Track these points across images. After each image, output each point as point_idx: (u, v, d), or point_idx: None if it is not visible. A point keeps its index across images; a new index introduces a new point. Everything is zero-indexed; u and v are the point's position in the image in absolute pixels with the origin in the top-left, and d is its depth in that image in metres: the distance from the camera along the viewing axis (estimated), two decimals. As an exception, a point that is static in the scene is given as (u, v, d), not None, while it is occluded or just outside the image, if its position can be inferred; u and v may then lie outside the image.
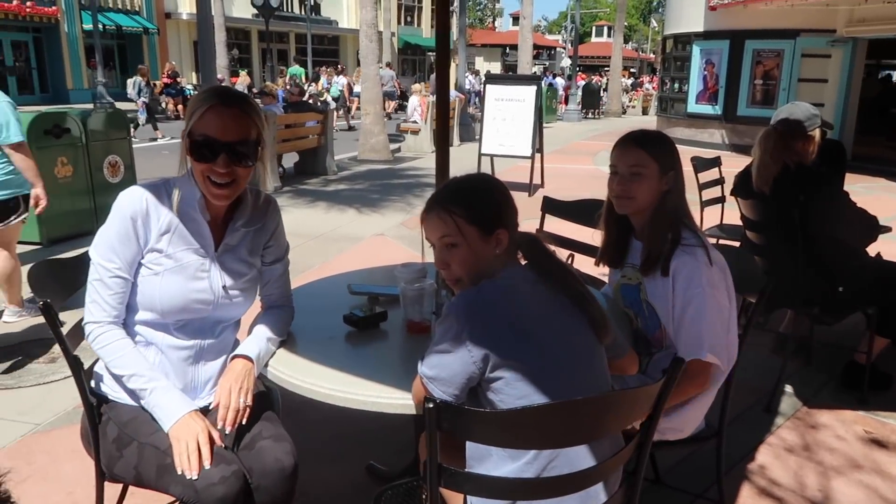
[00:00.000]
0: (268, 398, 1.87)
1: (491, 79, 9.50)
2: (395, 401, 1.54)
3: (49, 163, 5.79)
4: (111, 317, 1.67)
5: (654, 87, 26.69)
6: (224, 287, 1.73)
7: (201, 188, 1.66)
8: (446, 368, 1.34)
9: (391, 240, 6.23)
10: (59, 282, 1.81)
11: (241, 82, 20.55)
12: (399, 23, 39.74)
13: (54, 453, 2.61)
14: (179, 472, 1.53)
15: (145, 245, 1.66)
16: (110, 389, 1.74)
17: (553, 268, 1.44)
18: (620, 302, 2.03)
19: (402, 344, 1.90)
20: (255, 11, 24.70)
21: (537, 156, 8.69)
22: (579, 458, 1.35)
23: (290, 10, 33.69)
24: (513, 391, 1.32)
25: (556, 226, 2.65)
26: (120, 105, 13.27)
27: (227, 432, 1.65)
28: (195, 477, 1.51)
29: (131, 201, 1.65)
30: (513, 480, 1.29)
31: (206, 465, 1.54)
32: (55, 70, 24.71)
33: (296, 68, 22.64)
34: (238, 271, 1.77)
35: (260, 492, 1.61)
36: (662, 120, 15.23)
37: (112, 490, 2.06)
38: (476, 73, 25.70)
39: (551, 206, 2.95)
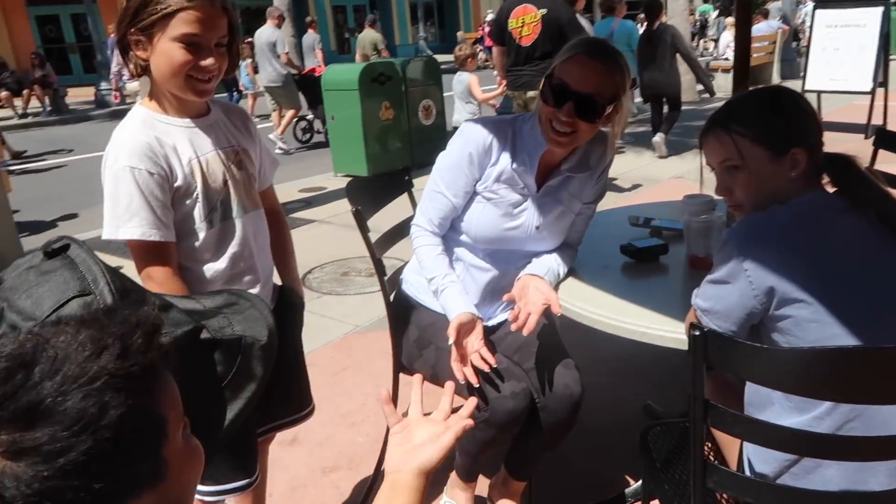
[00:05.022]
0: (554, 326, 1.88)
1: (822, 2, 8.15)
2: (666, 333, 1.46)
3: (375, 107, 6.58)
4: (430, 226, 1.78)
5: None
6: (537, 227, 1.76)
7: (542, 130, 1.66)
8: (722, 301, 1.22)
9: (690, 182, 5.83)
10: (370, 195, 2.06)
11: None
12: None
13: (369, 351, 3.03)
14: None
15: (475, 178, 1.73)
16: (416, 292, 1.91)
17: (870, 195, 1.20)
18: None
19: (682, 279, 1.78)
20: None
21: (879, 91, 7.26)
22: (890, 421, 1.13)
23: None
24: (804, 333, 1.15)
25: None
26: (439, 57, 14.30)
27: (524, 333, 1.61)
28: (462, 382, 1.61)
29: (474, 136, 1.71)
30: (796, 432, 1.13)
31: (472, 367, 1.61)
32: (385, 29, 27.74)
33: (706, 6, 22.82)
34: (554, 213, 1.77)
35: (546, 412, 1.67)
36: None
37: (409, 387, 2.34)
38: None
39: (885, 140, 2.45)
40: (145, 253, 1.37)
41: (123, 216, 1.34)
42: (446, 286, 1.72)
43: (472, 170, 1.72)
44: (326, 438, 2.37)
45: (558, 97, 1.59)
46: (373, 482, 2.05)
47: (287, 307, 1.67)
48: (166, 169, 1.37)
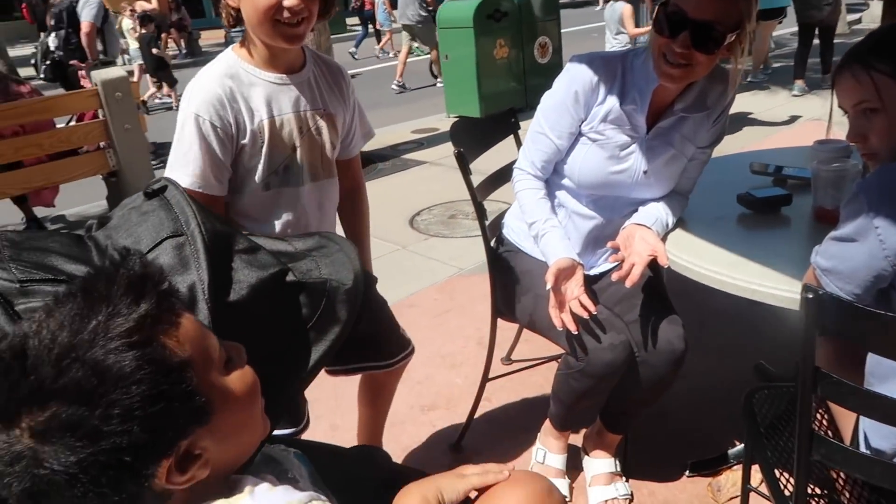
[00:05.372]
0: (660, 278, 1.80)
1: None
2: (781, 292, 1.35)
3: (490, 45, 6.43)
4: (533, 169, 1.73)
5: None
6: (645, 172, 1.67)
7: (654, 63, 1.54)
8: (847, 260, 1.10)
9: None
10: (473, 137, 2.03)
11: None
12: None
13: (471, 294, 3.05)
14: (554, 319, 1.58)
15: (580, 119, 1.66)
16: (516, 238, 1.88)
17: None
18: None
19: (806, 233, 1.63)
20: None
21: None
22: None
23: None
24: (942, 301, 1.02)
25: None
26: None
27: (626, 285, 1.55)
28: (559, 328, 1.57)
29: (580, 74, 1.63)
30: (922, 409, 1.02)
31: (570, 314, 1.55)
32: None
33: None
34: (664, 157, 1.66)
35: (645, 366, 1.61)
36: None
37: (508, 333, 2.35)
38: None
39: None
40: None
41: (181, 160, 1.37)
42: (547, 231, 1.67)
43: (577, 109, 1.64)
44: (426, 378, 2.43)
45: (673, 26, 1.45)
46: (468, 423, 2.08)
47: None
48: (232, 124, 1.37)
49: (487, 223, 1.93)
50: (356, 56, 12.50)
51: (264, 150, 1.40)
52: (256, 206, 1.46)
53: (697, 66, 1.49)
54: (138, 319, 0.64)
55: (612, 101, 1.62)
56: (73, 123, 4.10)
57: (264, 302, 0.85)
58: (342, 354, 1.62)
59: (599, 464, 1.82)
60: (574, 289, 1.60)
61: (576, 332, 1.56)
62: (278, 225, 1.48)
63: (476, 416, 2.09)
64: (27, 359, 0.61)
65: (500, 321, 1.99)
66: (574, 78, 1.64)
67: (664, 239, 1.65)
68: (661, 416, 1.97)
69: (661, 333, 1.61)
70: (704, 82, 1.62)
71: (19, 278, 0.75)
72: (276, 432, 1.47)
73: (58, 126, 4.09)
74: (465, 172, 1.87)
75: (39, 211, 4.69)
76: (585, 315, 1.55)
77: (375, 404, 1.85)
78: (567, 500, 1.80)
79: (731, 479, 1.81)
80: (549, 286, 1.57)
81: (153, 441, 0.63)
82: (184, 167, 1.37)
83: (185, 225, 0.83)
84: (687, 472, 1.87)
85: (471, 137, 2.04)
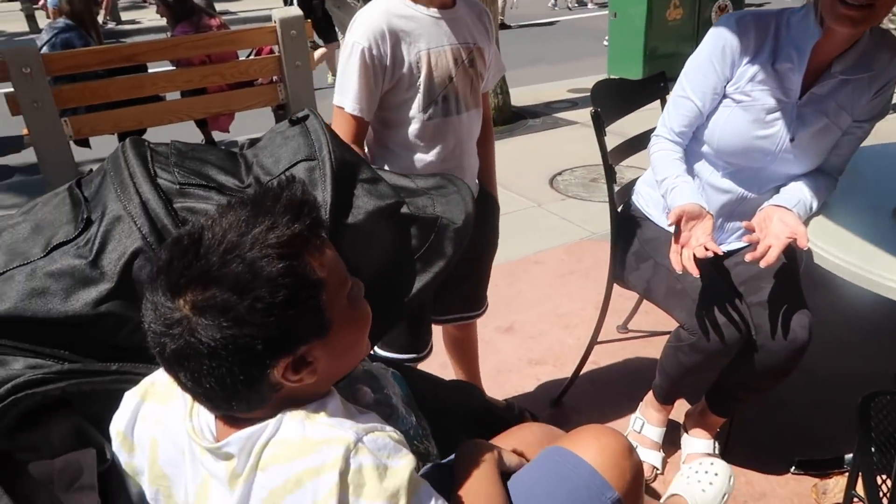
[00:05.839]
0: (794, 265, 1.69)
1: None
2: (921, 295, 1.26)
3: (663, 5, 6.13)
4: (670, 135, 1.68)
5: None
6: (792, 139, 1.57)
7: (826, 10, 1.42)
8: None
9: None
10: (619, 98, 1.99)
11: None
12: None
13: (598, 258, 3.02)
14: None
15: (725, 78, 1.59)
16: (643, 204, 1.86)
17: None
18: None
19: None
20: None
21: None
22: None
23: None
24: None
25: None
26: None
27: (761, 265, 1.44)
28: (678, 271, 1.48)
29: (728, 30, 1.57)
30: None
31: (693, 258, 1.46)
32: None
33: None
34: (815, 126, 1.57)
35: (762, 352, 1.55)
36: None
37: (629, 302, 2.33)
38: None
39: None
40: (342, 123, 1.50)
41: (343, 86, 1.48)
42: (678, 185, 1.58)
43: (723, 67, 1.57)
44: (539, 333, 2.48)
45: None
46: (572, 381, 2.12)
47: (484, 212, 1.68)
48: (388, 56, 1.44)
49: (618, 188, 1.92)
50: (550, 5, 12.65)
51: (422, 80, 1.49)
52: (418, 136, 1.54)
53: (880, 7, 1.37)
54: (291, 236, 0.74)
55: (763, 60, 1.54)
56: (252, 57, 4.47)
57: (378, 228, 0.94)
58: (442, 303, 1.74)
59: (697, 443, 1.80)
60: (700, 235, 1.49)
61: (697, 275, 1.45)
62: (438, 153, 1.57)
63: (581, 375, 2.12)
64: (201, 246, 0.73)
65: (620, 289, 1.99)
66: (721, 34, 1.57)
67: (806, 223, 1.56)
68: (774, 405, 1.90)
69: (785, 321, 1.53)
70: (870, 44, 1.50)
71: (179, 181, 0.89)
72: (398, 356, 1.59)
73: (240, 58, 4.48)
74: (600, 133, 1.85)
75: (216, 135, 5.20)
76: (710, 255, 1.43)
77: (466, 360, 1.98)
78: (658, 472, 1.81)
79: (840, 484, 1.72)
80: (669, 222, 1.51)
81: (281, 339, 0.75)
82: (345, 93, 1.48)
83: (318, 151, 0.93)
84: (792, 469, 1.80)
85: (616, 98, 2.01)
